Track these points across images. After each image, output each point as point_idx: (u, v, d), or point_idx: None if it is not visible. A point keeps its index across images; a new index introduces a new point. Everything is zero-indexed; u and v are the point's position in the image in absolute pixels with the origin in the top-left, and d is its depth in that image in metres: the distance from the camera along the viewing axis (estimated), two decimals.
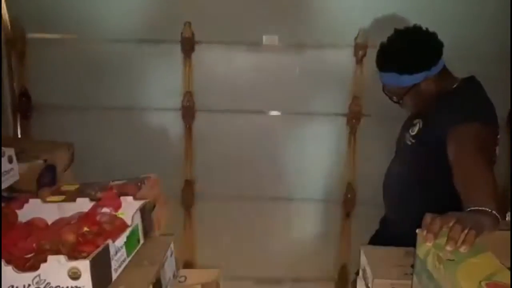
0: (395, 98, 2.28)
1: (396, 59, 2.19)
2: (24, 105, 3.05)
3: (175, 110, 3.10)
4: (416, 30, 2.20)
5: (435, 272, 1.30)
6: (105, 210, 1.78)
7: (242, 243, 3.31)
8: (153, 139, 3.14)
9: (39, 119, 3.08)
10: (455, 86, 2.20)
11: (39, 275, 1.29)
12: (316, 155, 3.23)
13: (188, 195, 3.24)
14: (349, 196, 3.27)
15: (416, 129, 2.25)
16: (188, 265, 3.28)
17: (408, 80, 2.19)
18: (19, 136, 3.08)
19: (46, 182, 2.31)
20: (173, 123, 3.13)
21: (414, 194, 2.27)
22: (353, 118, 3.14)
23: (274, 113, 3.12)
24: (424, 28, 2.19)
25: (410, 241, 1.54)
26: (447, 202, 2.04)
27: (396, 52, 2.19)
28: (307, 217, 3.32)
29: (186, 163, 3.20)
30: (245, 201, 3.26)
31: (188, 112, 3.06)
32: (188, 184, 3.24)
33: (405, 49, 2.17)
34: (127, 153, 3.12)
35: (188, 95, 3.07)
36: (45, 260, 1.29)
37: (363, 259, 1.81)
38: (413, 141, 2.24)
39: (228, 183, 3.24)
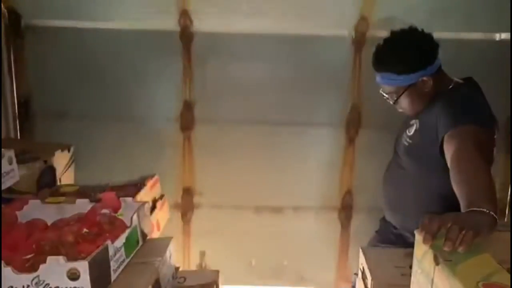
0: (390, 99, 2.29)
1: (392, 59, 2.20)
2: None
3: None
4: (412, 31, 2.21)
5: (432, 273, 1.30)
6: (105, 211, 1.79)
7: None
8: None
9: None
10: (451, 87, 2.21)
11: (38, 276, 1.30)
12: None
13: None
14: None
15: (413, 129, 2.26)
16: (187, 191, 3.23)
17: (404, 80, 2.20)
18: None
19: (46, 183, 2.32)
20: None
21: (411, 194, 2.28)
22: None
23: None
24: (420, 29, 2.21)
25: (408, 241, 1.55)
26: (443, 202, 2.06)
27: (392, 52, 2.20)
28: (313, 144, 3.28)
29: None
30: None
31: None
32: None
33: (402, 49, 2.18)
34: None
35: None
36: (44, 261, 1.29)
37: (362, 260, 1.81)
38: (410, 141, 2.25)
39: None
